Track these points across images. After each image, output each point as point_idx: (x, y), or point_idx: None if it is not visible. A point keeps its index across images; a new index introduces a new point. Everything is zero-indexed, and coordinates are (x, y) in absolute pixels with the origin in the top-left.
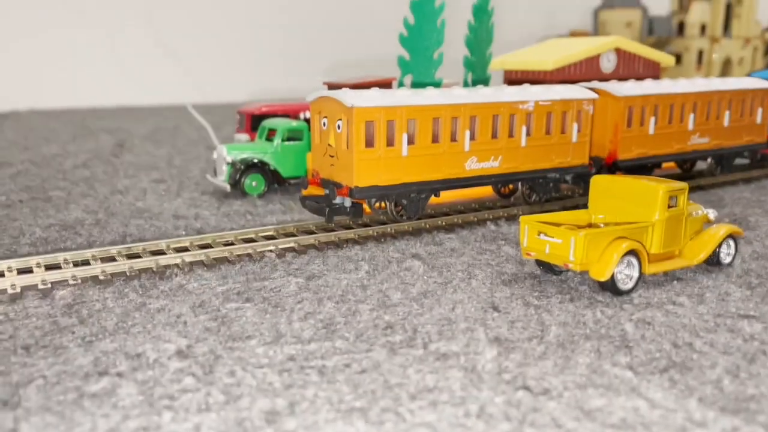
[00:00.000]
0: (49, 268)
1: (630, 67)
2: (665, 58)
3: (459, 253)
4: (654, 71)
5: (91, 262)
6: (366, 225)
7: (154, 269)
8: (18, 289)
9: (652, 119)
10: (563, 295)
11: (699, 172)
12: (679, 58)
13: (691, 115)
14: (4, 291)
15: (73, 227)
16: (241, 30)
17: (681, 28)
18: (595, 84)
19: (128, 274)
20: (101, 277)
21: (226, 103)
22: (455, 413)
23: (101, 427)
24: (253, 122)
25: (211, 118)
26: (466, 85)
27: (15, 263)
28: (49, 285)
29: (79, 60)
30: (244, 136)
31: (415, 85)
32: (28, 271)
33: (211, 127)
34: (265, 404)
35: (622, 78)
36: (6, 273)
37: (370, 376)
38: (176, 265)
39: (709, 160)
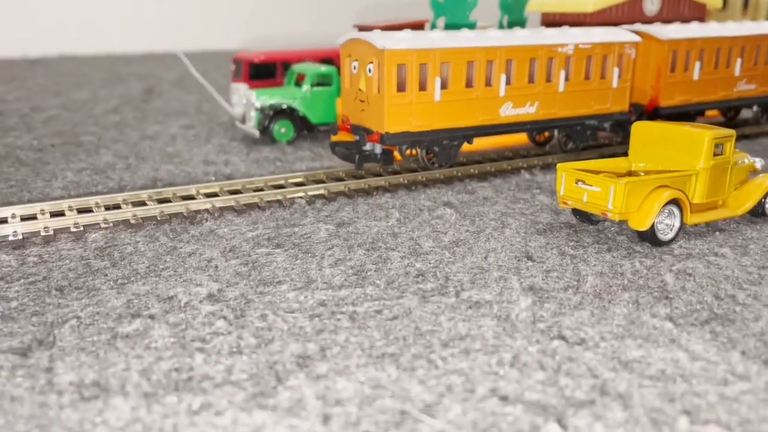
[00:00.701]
0: (81, 211)
1: (675, 10)
2: (712, 0)
3: (492, 202)
4: (700, 14)
5: (123, 205)
6: (396, 172)
7: (185, 214)
8: (51, 232)
9: (697, 64)
10: (600, 245)
11: (743, 120)
12: (724, 2)
13: (739, 60)
14: (38, 233)
15: (104, 171)
16: None
17: None
18: (638, 27)
19: (159, 218)
20: (132, 221)
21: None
22: (488, 361)
23: (135, 367)
24: (252, 71)
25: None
26: (501, 27)
27: (48, 206)
28: (82, 228)
29: (108, 6)
30: (242, 86)
31: (449, 27)
32: (61, 214)
33: (205, 80)
34: (296, 348)
35: (667, 21)
36: (39, 216)
37: (402, 322)
38: (206, 210)
39: (754, 107)
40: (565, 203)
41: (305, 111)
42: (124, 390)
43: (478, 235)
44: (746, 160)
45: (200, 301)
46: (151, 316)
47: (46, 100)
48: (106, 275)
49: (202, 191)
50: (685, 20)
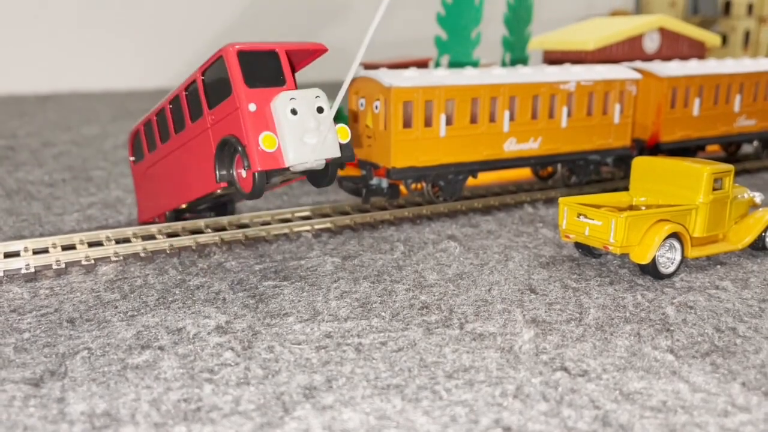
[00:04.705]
0: (91, 244)
1: (674, 47)
2: (711, 38)
3: (496, 235)
4: (699, 51)
5: (132, 239)
6: (401, 206)
7: (194, 247)
8: (63, 265)
9: (697, 100)
10: (602, 278)
11: (744, 155)
12: (724, 39)
13: (738, 97)
14: (50, 266)
15: (114, 206)
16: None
17: (727, 7)
18: (638, 64)
19: (168, 251)
20: (142, 254)
21: None
22: (492, 393)
23: (144, 398)
24: None
25: None
26: (504, 65)
27: (59, 240)
28: (93, 261)
29: (117, 42)
30: None
31: (453, 65)
32: (72, 247)
33: None
34: (302, 379)
35: (666, 58)
36: (51, 249)
37: (407, 354)
38: (215, 243)
39: (755, 143)
40: (568, 237)
41: None
42: (134, 420)
43: (481, 268)
44: (746, 195)
45: (208, 333)
46: (161, 348)
47: (57, 136)
48: (117, 307)
49: (211, 225)
50: (685, 58)
